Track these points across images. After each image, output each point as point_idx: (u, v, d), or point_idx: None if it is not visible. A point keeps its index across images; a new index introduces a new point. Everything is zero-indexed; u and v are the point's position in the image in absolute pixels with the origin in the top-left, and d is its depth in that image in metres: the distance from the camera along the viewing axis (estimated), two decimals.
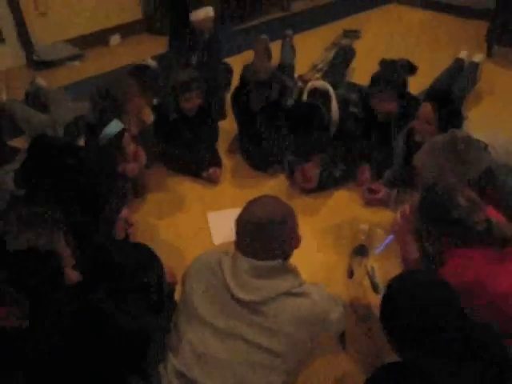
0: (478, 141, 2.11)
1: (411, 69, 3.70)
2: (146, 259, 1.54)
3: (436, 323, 1.19)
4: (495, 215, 1.59)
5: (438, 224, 1.49)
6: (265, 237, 1.37)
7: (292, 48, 3.91)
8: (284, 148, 2.75)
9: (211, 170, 2.73)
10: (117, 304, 1.36)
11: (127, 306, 1.38)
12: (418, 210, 1.56)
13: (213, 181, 2.73)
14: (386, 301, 1.32)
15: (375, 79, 2.51)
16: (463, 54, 3.56)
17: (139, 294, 1.45)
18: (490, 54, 3.99)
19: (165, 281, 1.59)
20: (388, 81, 2.43)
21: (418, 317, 1.21)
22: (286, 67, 3.49)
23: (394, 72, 2.51)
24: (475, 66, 3.44)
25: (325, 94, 2.65)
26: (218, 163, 2.82)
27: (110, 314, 1.33)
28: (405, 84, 2.54)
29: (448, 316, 1.20)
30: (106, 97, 2.38)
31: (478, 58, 3.49)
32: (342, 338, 1.78)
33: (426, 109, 2.19)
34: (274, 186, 2.71)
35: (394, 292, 1.32)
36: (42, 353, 1.27)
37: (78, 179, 1.85)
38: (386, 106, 2.46)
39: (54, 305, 1.35)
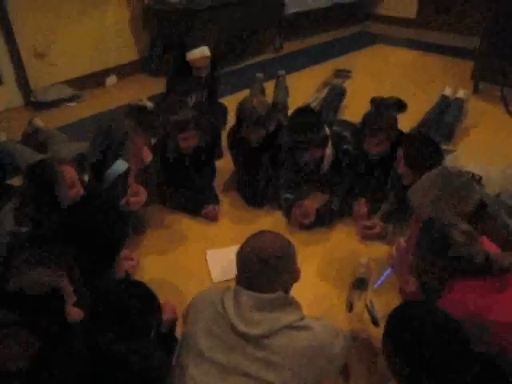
0: (470, 174, 2.17)
1: (401, 106, 3.83)
2: (147, 300, 1.55)
3: (442, 357, 1.18)
4: (489, 245, 1.62)
5: (436, 260, 1.51)
6: (267, 270, 1.39)
7: (285, 87, 4.03)
8: (280, 186, 2.79)
9: (209, 208, 2.76)
10: (126, 344, 1.36)
11: (137, 345, 1.38)
12: (415, 246, 1.58)
13: (211, 218, 2.76)
14: (387, 338, 1.32)
15: (367, 122, 2.57)
16: (448, 91, 3.70)
17: (147, 335, 1.45)
18: (476, 91, 4.12)
19: (162, 320, 1.59)
20: (379, 128, 2.49)
21: (421, 353, 1.20)
22: (279, 106, 3.58)
23: (384, 116, 2.57)
24: (460, 102, 3.57)
25: None
26: (215, 201, 2.85)
27: (122, 355, 1.33)
28: (395, 124, 2.60)
29: (454, 348, 1.19)
30: (107, 137, 2.43)
31: (463, 93, 3.63)
32: (344, 371, 1.77)
33: (399, 156, 2.27)
34: (271, 222, 2.73)
35: (393, 329, 1.31)
36: None
37: (94, 215, 1.86)
38: (378, 148, 2.53)
39: (65, 348, 1.35)
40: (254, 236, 1.50)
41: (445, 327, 1.23)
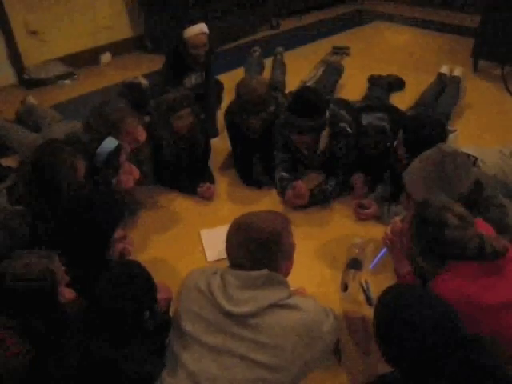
0: (466, 155, 2.14)
1: (400, 84, 3.79)
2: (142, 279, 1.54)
3: (431, 340, 1.18)
4: (485, 227, 1.61)
5: (430, 243, 1.50)
6: (254, 249, 1.39)
7: (283, 65, 3.97)
8: (275, 165, 2.76)
9: (205, 187, 2.74)
10: (119, 350, 1.35)
11: (129, 351, 1.38)
12: (409, 229, 1.57)
13: (206, 198, 2.74)
14: (377, 320, 1.31)
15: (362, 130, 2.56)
16: (444, 69, 3.64)
17: (141, 336, 1.44)
18: (476, 69, 4.07)
19: (158, 302, 1.59)
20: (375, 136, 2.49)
21: (411, 336, 1.20)
22: (276, 84, 3.53)
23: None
24: (457, 80, 3.52)
25: None
26: (211, 180, 2.83)
27: (114, 361, 1.33)
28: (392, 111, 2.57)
29: (443, 332, 1.18)
30: (100, 117, 2.39)
31: (459, 71, 3.58)
32: (336, 351, 1.77)
33: (399, 138, 2.23)
34: (267, 201, 2.72)
35: (381, 310, 1.31)
36: None
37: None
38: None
39: (58, 354, 1.36)
40: (244, 215, 1.49)
41: (433, 311, 1.21)
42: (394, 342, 1.25)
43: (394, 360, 1.28)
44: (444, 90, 3.46)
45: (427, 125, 2.18)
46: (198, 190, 2.74)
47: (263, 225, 1.42)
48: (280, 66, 3.96)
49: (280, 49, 4.15)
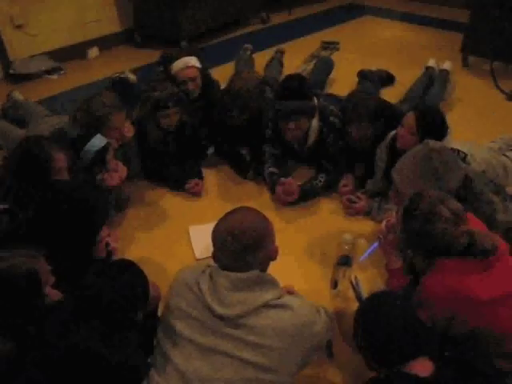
0: (454, 150, 2.14)
1: (389, 78, 3.79)
2: (134, 282, 1.51)
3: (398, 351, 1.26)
4: (476, 223, 1.61)
5: (419, 236, 1.49)
6: (240, 248, 1.37)
7: (281, 64, 3.95)
8: (264, 160, 2.75)
9: (193, 183, 2.72)
10: (105, 341, 1.32)
11: (116, 343, 1.35)
12: (401, 221, 1.56)
13: (195, 194, 2.72)
14: (356, 320, 1.42)
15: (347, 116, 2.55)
16: (432, 62, 3.65)
17: (128, 329, 1.42)
18: (465, 65, 4.07)
19: (150, 299, 1.56)
20: (359, 117, 2.46)
21: (376, 341, 1.31)
22: (270, 80, 3.50)
23: (363, 106, 2.50)
24: (445, 74, 3.53)
25: None
26: (199, 176, 2.81)
27: (99, 352, 1.30)
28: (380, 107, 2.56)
29: (406, 348, 1.26)
30: (87, 112, 2.36)
31: (447, 65, 3.60)
32: (328, 346, 1.77)
33: (410, 119, 2.21)
34: (256, 197, 2.70)
35: (361, 312, 1.42)
36: None
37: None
38: (362, 132, 2.50)
39: (41, 344, 1.32)
40: (229, 213, 1.47)
41: (408, 325, 1.29)
42: (362, 340, 1.35)
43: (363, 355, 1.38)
44: (432, 84, 3.46)
45: (437, 112, 2.29)
46: (186, 186, 2.72)
47: (249, 224, 1.40)
48: (277, 65, 3.93)
49: (281, 47, 4.15)
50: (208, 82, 3.03)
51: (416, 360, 1.24)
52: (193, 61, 2.89)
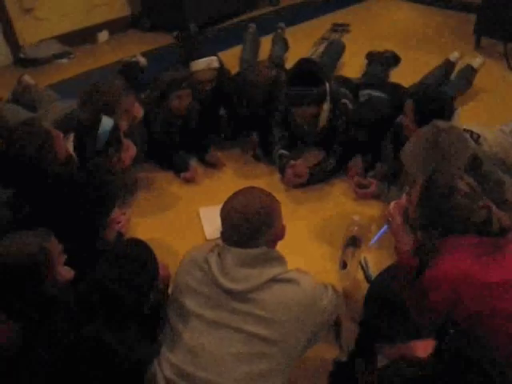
0: (467, 131, 2.12)
1: (396, 60, 3.72)
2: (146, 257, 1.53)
3: None
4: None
5: (436, 211, 1.48)
6: (247, 226, 1.38)
7: (284, 41, 3.92)
8: (274, 142, 2.74)
9: (213, 153, 2.79)
10: (114, 334, 1.35)
11: (125, 335, 1.37)
12: (419, 199, 1.54)
13: (215, 163, 2.79)
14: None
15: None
16: (454, 57, 3.40)
17: (137, 320, 1.44)
18: (478, 46, 4.01)
19: (159, 280, 1.58)
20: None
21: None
22: (276, 59, 3.48)
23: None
24: (472, 70, 3.30)
25: None
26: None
27: (109, 344, 1.32)
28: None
29: None
30: (97, 96, 2.36)
31: (477, 62, 3.32)
32: (336, 328, 1.77)
33: (408, 107, 2.19)
34: (267, 179, 2.71)
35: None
36: None
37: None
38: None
39: (50, 335, 1.34)
40: (237, 193, 1.48)
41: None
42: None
43: None
44: (447, 78, 3.31)
45: (439, 94, 2.25)
46: (207, 156, 2.79)
47: (256, 202, 1.41)
48: (280, 42, 3.90)
49: (281, 24, 4.10)
50: (220, 74, 2.94)
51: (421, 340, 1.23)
52: (214, 62, 2.78)
